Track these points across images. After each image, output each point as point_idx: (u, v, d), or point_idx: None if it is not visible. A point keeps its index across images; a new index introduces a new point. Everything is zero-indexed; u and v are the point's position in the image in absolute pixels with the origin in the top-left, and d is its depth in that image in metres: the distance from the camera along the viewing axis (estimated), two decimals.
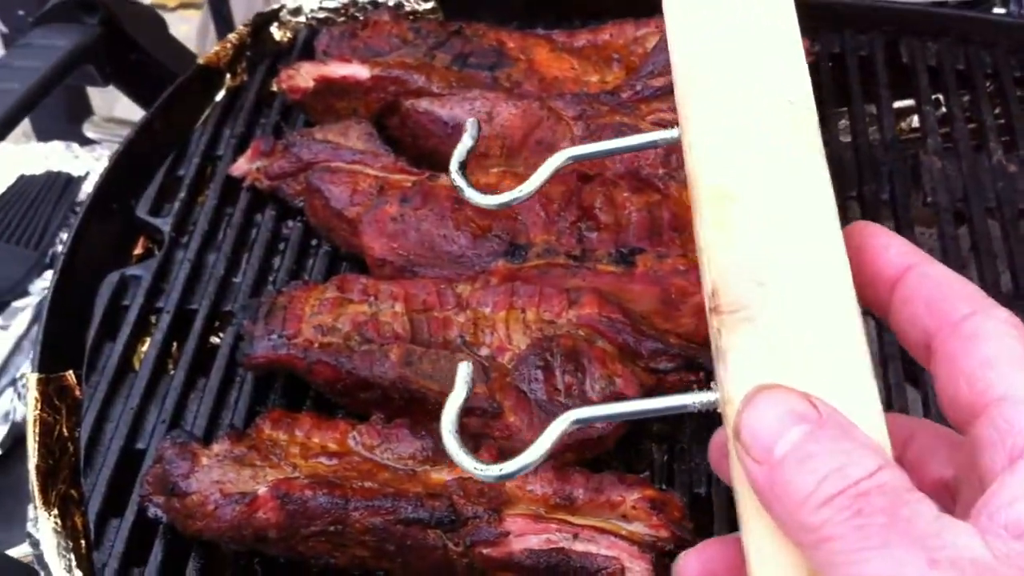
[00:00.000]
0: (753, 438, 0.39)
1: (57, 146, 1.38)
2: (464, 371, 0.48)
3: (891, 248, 0.46)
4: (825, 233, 0.45)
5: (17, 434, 1.00)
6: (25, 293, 1.19)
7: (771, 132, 0.47)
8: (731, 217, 0.45)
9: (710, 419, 0.81)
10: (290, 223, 0.98)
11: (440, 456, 0.73)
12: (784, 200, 0.45)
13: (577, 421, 0.45)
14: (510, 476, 0.45)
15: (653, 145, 0.55)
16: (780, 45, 0.50)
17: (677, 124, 0.98)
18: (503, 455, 0.74)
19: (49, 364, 0.82)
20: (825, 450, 0.37)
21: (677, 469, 0.79)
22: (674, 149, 0.97)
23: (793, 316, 0.43)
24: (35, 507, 0.74)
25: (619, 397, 0.77)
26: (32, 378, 0.80)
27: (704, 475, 0.79)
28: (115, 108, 1.52)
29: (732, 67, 0.49)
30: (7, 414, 1.03)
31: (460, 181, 0.59)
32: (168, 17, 1.34)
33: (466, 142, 0.61)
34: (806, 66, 0.50)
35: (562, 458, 0.74)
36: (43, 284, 1.18)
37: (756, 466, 0.39)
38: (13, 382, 1.06)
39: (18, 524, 0.80)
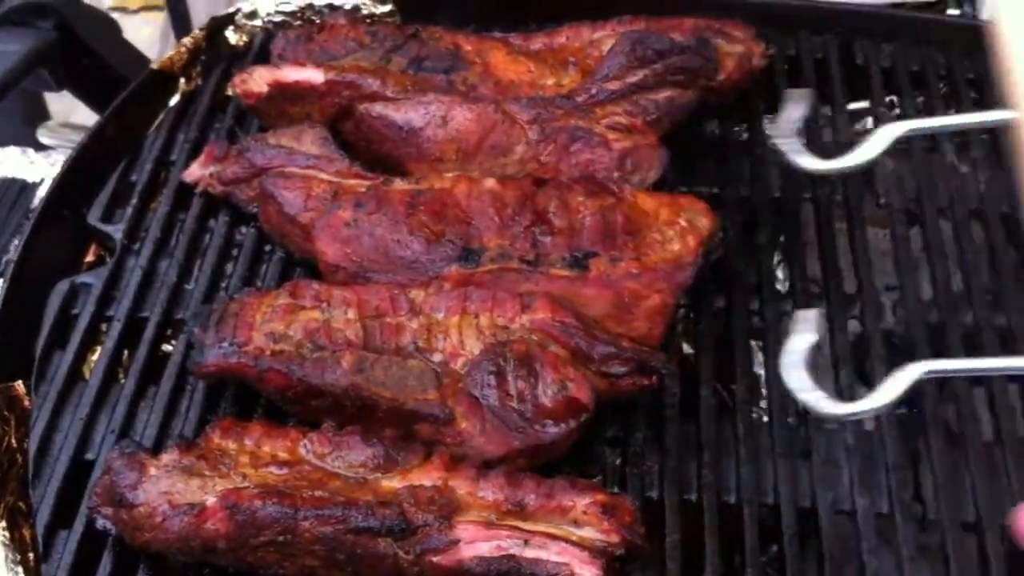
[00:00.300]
0: None
1: (12, 152, 1.35)
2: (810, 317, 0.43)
3: None
4: None
5: None
6: None
7: None
8: None
9: (661, 421, 0.82)
10: (243, 229, 0.97)
11: (391, 464, 0.73)
12: None
13: (930, 372, 0.43)
14: (858, 414, 0.42)
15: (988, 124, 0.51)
16: None
17: (631, 127, 0.97)
18: (454, 461, 0.74)
19: None
20: None
21: (629, 473, 0.79)
22: (628, 152, 0.98)
23: None
24: None
25: (571, 402, 0.77)
26: None
27: (656, 478, 0.79)
28: (73, 114, 1.50)
29: None
30: None
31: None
32: (131, 19, 1.32)
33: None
34: None
35: (514, 464, 0.75)
36: None
37: None
38: None
39: None
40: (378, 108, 0.99)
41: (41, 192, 1.27)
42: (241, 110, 1.05)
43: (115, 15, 1.34)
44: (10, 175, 1.34)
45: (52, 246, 0.95)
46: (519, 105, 0.98)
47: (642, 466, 0.79)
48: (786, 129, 0.55)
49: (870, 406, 0.41)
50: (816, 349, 0.44)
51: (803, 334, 0.44)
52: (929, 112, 1.09)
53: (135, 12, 2.13)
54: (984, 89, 1.10)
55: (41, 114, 1.49)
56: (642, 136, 0.98)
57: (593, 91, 1.00)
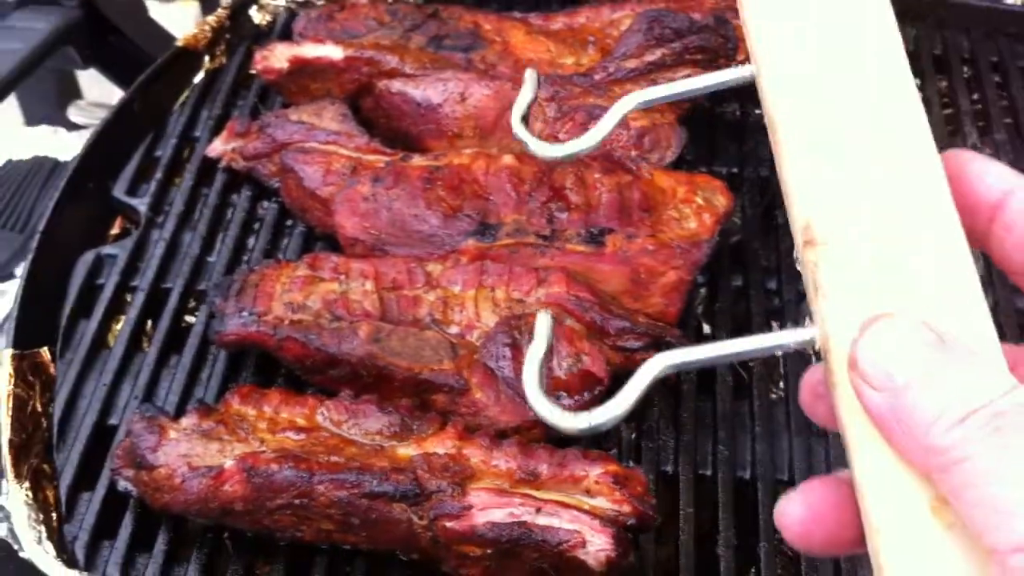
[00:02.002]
0: (873, 365, 0.38)
1: (45, 130, 1.38)
2: (544, 322, 0.46)
3: (989, 174, 0.44)
4: (922, 159, 0.43)
5: None
6: (10, 276, 1.20)
7: (855, 59, 0.45)
8: (822, 147, 0.43)
9: (677, 397, 0.82)
10: (265, 203, 0.98)
11: (406, 432, 0.74)
12: (877, 128, 0.44)
13: (669, 367, 0.43)
14: (599, 428, 0.43)
15: (723, 86, 0.52)
16: None
17: (655, 107, 0.96)
18: (469, 431, 0.75)
19: (24, 340, 0.83)
20: (953, 372, 0.36)
21: (644, 447, 0.80)
22: (647, 131, 0.98)
23: (895, 245, 0.41)
24: (7, 480, 0.75)
25: (586, 375, 0.78)
26: (6, 354, 0.81)
27: (671, 453, 0.80)
28: (107, 94, 1.52)
29: None
30: None
31: (523, 134, 0.57)
32: (167, 8, 1.34)
33: (526, 95, 0.60)
34: None
35: (528, 435, 0.75)
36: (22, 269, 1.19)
37: (876, 394, 0.38)
38: None
39: None
40: (397, 84, 1.00)
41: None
42: (264, 88, 1.07)
43: (150, 3, 1.36)
44: (41, 153, 1.37)
45: (78, 218, 0.97)
46: None
47: (657, 441, 0.80)
48: (516, 116, 0.57)
49: (610, 414, 0.41)
50: (547, 356, 0.44)
51: (536, 342, 0.45)
52: (952, 95, 1.09)
53: (171, 0, 2.15)
54: (1009, 73, 1.10)
55: (73, 94, 1.51)
56: (660, 115, 0.98)
57: (611, 69, 1.00)
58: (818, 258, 0.42)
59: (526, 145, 0.57)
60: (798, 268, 0.45)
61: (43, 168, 1.34)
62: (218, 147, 1.00)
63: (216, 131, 1.03)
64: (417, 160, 0.93)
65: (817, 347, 0.42)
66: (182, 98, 1.08)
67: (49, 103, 1.55)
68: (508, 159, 0.92)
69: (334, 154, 0.96)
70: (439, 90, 0.98)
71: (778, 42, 0.47)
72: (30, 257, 0.89)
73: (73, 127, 1.42)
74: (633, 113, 1.02)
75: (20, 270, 1.21)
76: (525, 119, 0.59)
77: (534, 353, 0.46)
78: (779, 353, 0.44)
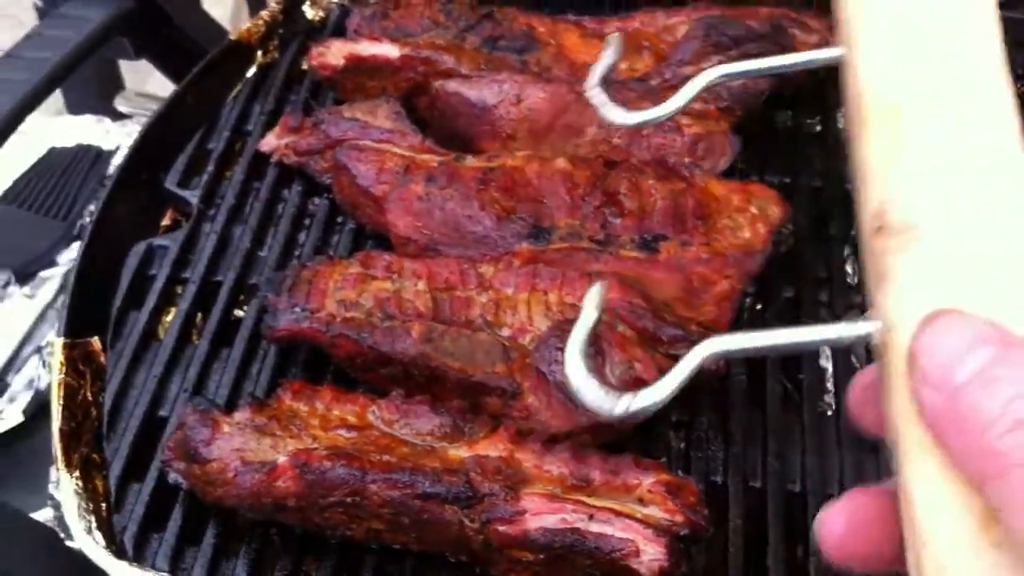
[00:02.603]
0: (932, 363, 0.37)
1: (88, 120, 1.39)
2: (596, 292, 0.44)
3: None
4: (1009, 156, 0.41)
5: (41, 401, 1.02)
6: (52, 263, 1.21)
7: (951, 48, 0.43)
8: (900, 130, 0.41)
9: (727, 406, 0.82)
10: (316, 200, 0.99)
11: (458, 434, 0.74)
12: (966, 119, 0.41)
13: (716, 354, 0.41)
14: (639, 414, 0.41)
15: (810, 64, 0.50)
16: None
17: (704, 114, 0.96)
18: (521, 436, 0.74)
19: (75, 329, 0.83)
20: (1014, 373, 0.35)
21: (694, 456, 0.79)
22: (701, 138, 0.97)
23: (972, 240, 0.39)
24: (57, 469, 0.75)
25: (638, 382, 0.77)
26: (58, 343, 0.81)
27: (720, 463, 0.79)
28: (147, 84, 1.53)
29: None
30: (31, 381, 1.04)
31: (599, 97, 0.55)
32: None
33: (608, 57, 0.57)
34: None
35: (579, 440, 0.75)
36: (70, 255, 1.20)
37: (934, 393, 0.36)
38: (38, 350, 1.08)
39: (41, 489, 0.82)
40: (453, 84, 0.99)
41: (117, 159, 1.31)
42: (316, 84, 1.07)
43: None
44: (85, 142, 1.38)
45: (129, 208, 0.97)
46: None
47: (707, 451, 0.79)
48: (594, 78, 0.53)
49: (651, 399, 0.39)
50: (597, 326, 0.42)
51: (587, 311, 0.42)
52: None
53: None
54: None
55: (115, 84, 1.52)
56: (714, 123, 0.97)
57: (667, 75, 1.00)
58: (887, 245, 0.40)
59: (598, 110, 0.55)
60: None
61: (87, 157, 1.35)
62: (271, 142, 1.01)
63: (268, 126, 1.03)
64: (471, 161, 0.93)
65: (874, 342, 0.40)
66: (234, 92, 1.08)
67: (91, 92, 1.56)
68: (562, 163, 0.91)
69: (387, 152, 0.96)
70: (495, 91, 0.98)
71: (874, 22, 0.45)
72: (83, 245, 0.89)
73: (118, 117, 1.43)
74: (687, 120, 1.01)
75: (62, 258, 1.22)
76: (605, 81, 0.57)
77: (583, 322, 0.43)
78: (832, 348, 0.41)
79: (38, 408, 1.00)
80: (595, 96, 0.56)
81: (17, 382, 1.06)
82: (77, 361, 0.82)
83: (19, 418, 0.98)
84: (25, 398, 1.02)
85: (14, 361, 1.07)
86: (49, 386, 0.99)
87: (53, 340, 0.82)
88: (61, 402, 0.78)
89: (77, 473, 0.75)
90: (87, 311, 0.86)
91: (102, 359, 0.84)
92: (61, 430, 0.77)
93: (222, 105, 1.07)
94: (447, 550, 0.71)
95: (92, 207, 1.25)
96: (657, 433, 0.80)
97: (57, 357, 0.80)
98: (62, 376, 0.79)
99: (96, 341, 0.84)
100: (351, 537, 0.72)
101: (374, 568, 0.73)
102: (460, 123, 1.00)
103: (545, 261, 0.85)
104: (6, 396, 1.04)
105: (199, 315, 0.89)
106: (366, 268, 0.85)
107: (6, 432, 0.98)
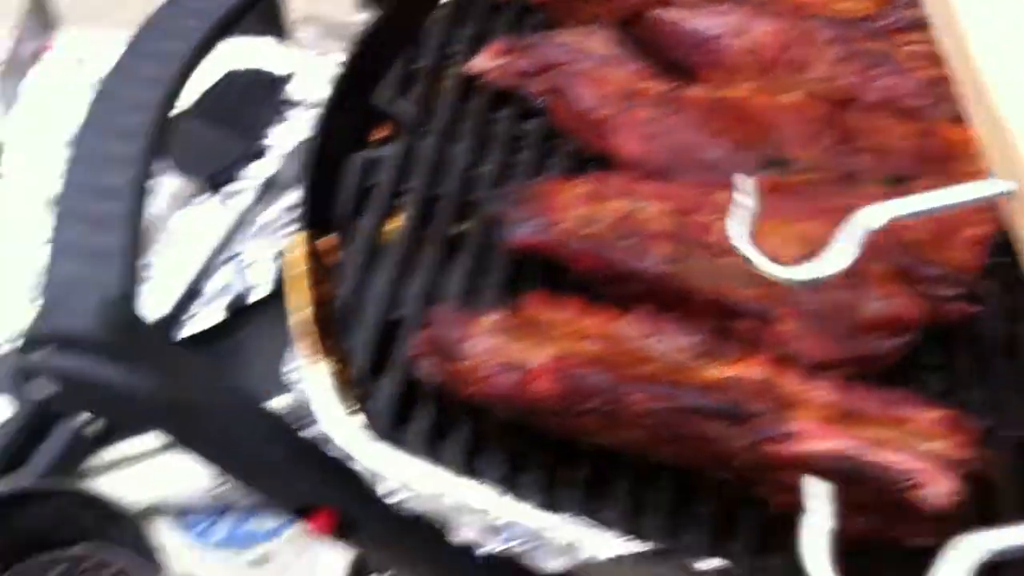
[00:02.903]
0: None
1: (259, 43, 1.40)
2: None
3: None
4: None
5: (240, 305, 1.03)
6: (234, 179, 1.22)
7: None
8: None
9: (983, 353, 0.79)
10: (529, 123, 0.97)
11: (715, 353, 0.72)
12: None
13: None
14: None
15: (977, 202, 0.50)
16: None
17: (930, 58, 0.92)
18: (781, 361, 0.73)
19: (312, 226, 0.84)
20: None
21: (953, 402, 0.77)
22: (933, 81, 0.94)
23: None
24: (301, 354, 0.76)
25: (895, 320, 0.75)
26: (300, 236, 0.82)
27: (978, 409, 0.76)
28: (319, 9, 1.53)
29: None
30: (227, 286, 1.06)
31: (748, 249, 0.57)
32: None
33: (748, 205, 0.58)
34: None
35: (842, 372, 0.73)
36: (254, 171, 1.21)
37: None
38: (231, 258, 1.09)
39: (266, 379, 0.82)
40: (672, 13, 0.98)
41: (292, 87, 1.32)
42: (523, 8, 1.05)
43: None
44: (256, 67, 1.39)
45: (341, 124, 0.97)
46: (819, 23, 0.96)
47: (968, 396, 0.76)
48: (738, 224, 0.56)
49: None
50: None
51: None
52: None
53: None
54: None
55: (281, 7, 1.53)
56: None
57: (893, 17, 0.97)
58: None
59: (749, 262, 0.54)
60: None
61: (262, 81, 1.36)
62: (482, 63, 1.00)
63: (475, 48, 1.02)
64: (696, 90, 0.91)
65: None
66: (438, 14, 1.07)
67: (258, 17, 1.57)
68: (792, 96, 0.89)
69: (607, 78, 0.94)
70: (717, 22, 0.96)
71: None
72: (313, 143, 0.89)
73: (283, 40, 1.43)
74: (917, 62, 0.98)
75: (245, 173, 1.23)
76: (751, 235, 0.57)
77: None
78: None
79: (237, 309, 1.01)
80: (742, 247, 0.57)
81: (210, 288, 1.07)
82: (315, 256, 0.82)
83: (221, 315, 0.99)
84: (223, 302, 1.04)
85: (208, 269, 1.09)
86: (247, 289, 1.01)
87: (295, 234, 0.82)
88: (305, 292, 0.78)
89: (325, 362, 0.75)
90: (319, 212, 0.86)
91: (337, 256, 0.84)
92: (304, 319, 0.77)
93: (426, 27, 1.06)
94: (707, 466, 0.70)
95: (272, 129, 1.27)
96: (909, 375, 0.77)
97: (300, 248, 0.81)
98: (304, 268, 0.80)
99: (333, 238, 0.85)
100: (606, 445, 0.71)
101: (629, 484, 0.72)
102: (679, 53, 0.98)
103: (787, 192, 0.83)
104: (202, 300, 1.05)
105: (424, 227, 0.88)
106: (599, 187, 0.84)
107: (207, 331, 0.99)
